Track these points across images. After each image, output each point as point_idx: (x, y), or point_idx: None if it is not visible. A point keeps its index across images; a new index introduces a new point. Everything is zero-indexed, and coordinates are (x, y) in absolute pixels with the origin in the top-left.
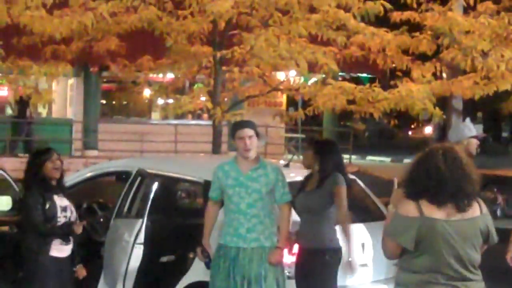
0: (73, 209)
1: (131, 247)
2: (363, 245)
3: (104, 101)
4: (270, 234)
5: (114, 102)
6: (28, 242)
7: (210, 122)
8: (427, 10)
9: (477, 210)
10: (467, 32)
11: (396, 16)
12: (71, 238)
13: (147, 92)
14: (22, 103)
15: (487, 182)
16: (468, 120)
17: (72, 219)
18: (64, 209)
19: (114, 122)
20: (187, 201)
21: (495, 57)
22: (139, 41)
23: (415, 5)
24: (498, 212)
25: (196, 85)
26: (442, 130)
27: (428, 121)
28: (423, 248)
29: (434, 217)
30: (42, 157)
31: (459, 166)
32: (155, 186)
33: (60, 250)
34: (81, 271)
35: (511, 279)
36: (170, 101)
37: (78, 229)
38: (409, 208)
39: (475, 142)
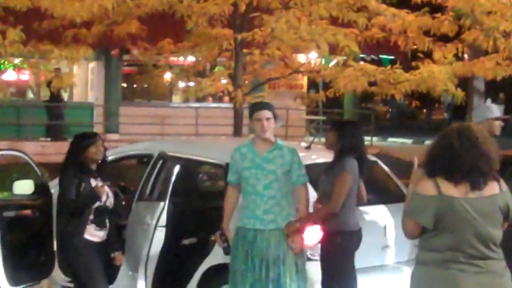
0: (110, 194)
1: (153, 230)
2: (385, 227)
3: (125, 85)
4: (287, 215)
5: (135, 86)
6: (61, 225)
7: (231, 105)
8: None
9: (496, 188)
10: (489, 13)
11: None
12: (106, 224)
13: (168, 76)
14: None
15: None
16: (489, 101)
17: (108, 204)
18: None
19: (135, 106)
20: (208, 184)
21: None
22: (160, 24)
23: None
24: None
25: (217, 68)
26: (454, 111)
27: (450, 103)
28: (442, 227)
29: (452, 195)
30: (87, 140)
31: (474, 145)
32: (176, 169)
33: (94, 235)
34: (118, 258)
35: None
36: (191, 84)
37: (100, 190)
38: (428, 187)
39: (498, 123)
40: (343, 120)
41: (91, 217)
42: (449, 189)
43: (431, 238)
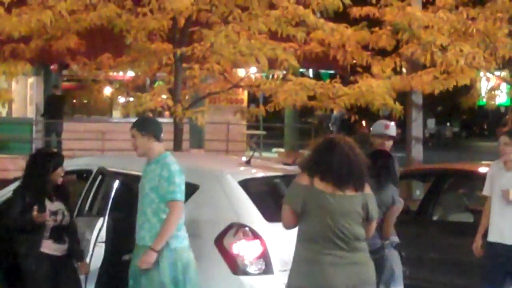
0: (66, 213)
1: (92, 246)
2: None
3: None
4: (156, 234)
5: (74, 101)
6: (15, 246)
7: (171, 120)
8: (386, 5)
9: (359, 190)
10: (426, 27)
11: (356, 11)
12: (65, 239)
13: (107, 90)
14: None
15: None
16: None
17: (64, 223)
18: (54, 213)
19: (75, 121)
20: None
21: (454, 52)
22: (99, 39)
23: (374, 1)
24: None
25: (156, 83)
26: (340, 125)
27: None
28: (310, 214)
29: (321, 189)
30: (55, 161)
31: (345, 153)
32: (115, 184)
33: (53, 249)
34: (83, 267)
35: None
36: (131, 99)
37: (37, 218)
38: (304, 178)
39: (384, 142)
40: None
41: (47, 234)
42: (320, 185)
43: (302, 226)
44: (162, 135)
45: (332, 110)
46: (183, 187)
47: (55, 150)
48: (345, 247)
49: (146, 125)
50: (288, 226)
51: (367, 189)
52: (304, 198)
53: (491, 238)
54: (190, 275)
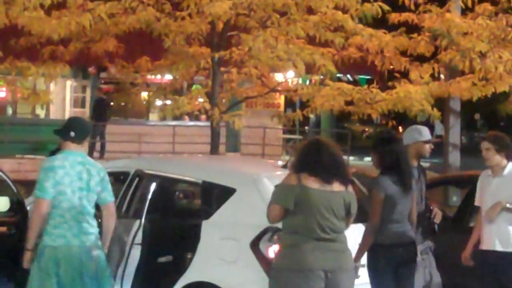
0: None
1: (129, 248)
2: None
3: None
4: None
5: (112, 103)
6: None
7: (208, 123)
8: (425, 12)
9: (343, 187)
10: (465, 34)
11: (394, 17)
12: None
13: (145, 93)
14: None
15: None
16: (421, 126)
17: None
18: None
19: (112, 123)
20: (185, 202)
21: (493, 59)
22: (137, 42)
23: (413, 7)
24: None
25: (194, 86)
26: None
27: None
28: (299, 209)
29: (309, 186)
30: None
31: (329, 153)
32: (152, 186)
33: None
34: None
35: None
36: (168, 102)
37: None
38: (291, 179)
39: (428, 146)
40: (380, 138)
41: None
42: (308, 181)
43: (290, 219)
44: (84, 136)
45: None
46: (45, 184)
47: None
48: (326, 237)
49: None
50: (274, 222)
51: (350, 188)
52: (295, 196)
53: (483, 246)
54: (88, 275)
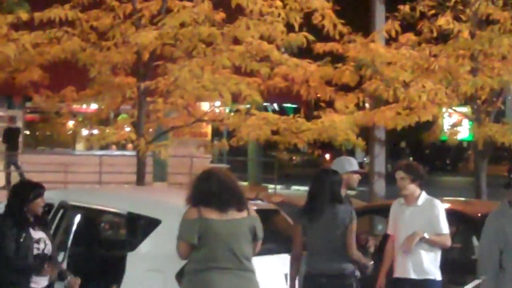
0: (48, 241)
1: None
2: (286, 275)
3: (27, 132)
4: None
5: (37, 133)
6: (1, 277)
7: (134, 153)
8: (349, 42)
9: (245, 213)
10: (389, 63)
11: (319, 47)
12: (45, 270)
13: (71, 123)
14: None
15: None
16: (349, 157)
17: (46, 251)
18: (38, 241)
19: (37, 153)
20: (110, 233)
21: (417, 88)
22: (63, 71)
23: (337, 37)
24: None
25: (120, 116)
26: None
27: (352, 151)
28: (203, 242)
29: (209, 217)
30: (35, 192)
31: (223, 182)
32: (77, 218)
33: (35, 282)
34: (74, 282)
35: None
36: (95, 132)
37: (47, 272)
38: (192, 213)
39: (356, 177)
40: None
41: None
42: (208, 213)
43: (195, 253)
44: None
45: None
46: None
47: (34, 182)
48: (232, 267)
49: None
50: (184, 258)
51: (253, 212)
52: (198, 230)
53: (397, 274)
54: None
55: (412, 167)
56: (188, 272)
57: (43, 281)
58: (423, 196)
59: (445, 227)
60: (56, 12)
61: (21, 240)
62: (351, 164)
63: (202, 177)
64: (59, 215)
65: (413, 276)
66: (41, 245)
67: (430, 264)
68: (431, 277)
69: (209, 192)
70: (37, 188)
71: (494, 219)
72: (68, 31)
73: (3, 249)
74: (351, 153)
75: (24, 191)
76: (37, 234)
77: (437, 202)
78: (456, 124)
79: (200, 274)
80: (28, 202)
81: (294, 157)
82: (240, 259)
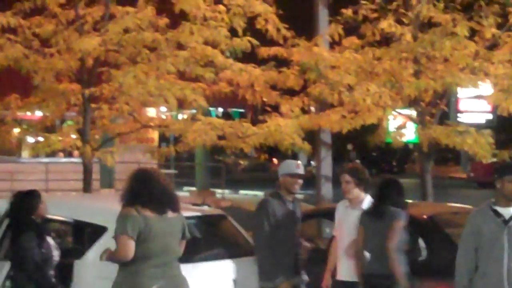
0: (57, 247)
1: None
2: (234, 281)
3: None
4: None
5: None
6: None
7: (81, 160)
8: (293, 46)
9: (177, 213)
10: (333, 67)
11: (264, 51)
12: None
13: (16, 130)
14: None
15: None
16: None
17: (56, 258)
18: (55, 248)
19: None
20: (57, 241)
21: (361, 91)
22: (6, 79)
23: (281, 41)
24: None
25: (65, 123)
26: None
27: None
28: (142, 239)
29: (147, 215)
30: (35, 199)
31: (163, 183)
32: None
33: None
34: None
35: None
36: (41, 139)
37: None
38: (131, 210)
39: (291, 180)
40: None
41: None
42: (145, 212)
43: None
44: None
45: None
46: None
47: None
48: (165, 264)
49: None
50: (130, 256)
51: (181, 212)
52: (138, 225)
53: (340, 276)
54: None
55: (357, 171)
56: (123, 275)
57: None
58: (368, 199)
59: None
60: None
61: (43, 250)
62: (288, 166)
63: (140, 178)
64: (4, 224)
65: (354, 279)
66: (56, 252)
67: None
68: None
69: (150, 194)
70: (35, 195)
71: (473, 218)
72: (10, 38)
73: (29, 258)
74: (295, 156)
75: (26, 199)
76: (51, 241)
77: None
78: (401, 126)
79: (134, 278)
80: (33, 208)
81: (241, 162)
82: (173, 257)
